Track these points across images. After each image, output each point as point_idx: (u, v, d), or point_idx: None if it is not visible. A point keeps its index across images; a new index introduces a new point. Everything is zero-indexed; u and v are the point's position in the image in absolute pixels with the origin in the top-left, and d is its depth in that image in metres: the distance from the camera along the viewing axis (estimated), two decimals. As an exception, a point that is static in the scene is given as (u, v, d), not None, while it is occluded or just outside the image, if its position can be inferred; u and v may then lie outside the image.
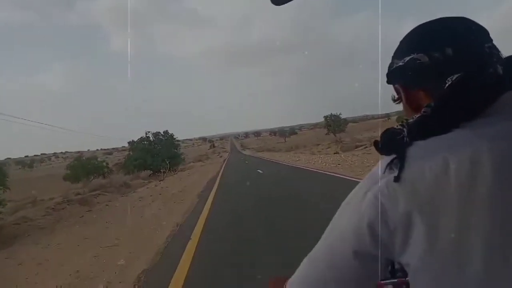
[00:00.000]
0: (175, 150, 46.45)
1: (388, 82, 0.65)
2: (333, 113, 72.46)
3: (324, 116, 73.59)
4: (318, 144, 50.08)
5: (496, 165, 0.48)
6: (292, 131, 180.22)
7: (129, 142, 44.38)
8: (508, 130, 0.50)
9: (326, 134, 74.81)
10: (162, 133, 45.93)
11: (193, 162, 61.78)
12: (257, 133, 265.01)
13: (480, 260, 0.48)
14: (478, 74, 0.54)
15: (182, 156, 48.22)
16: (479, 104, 0.53)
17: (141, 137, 44.06)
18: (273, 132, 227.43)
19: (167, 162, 41.61)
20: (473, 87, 0.53)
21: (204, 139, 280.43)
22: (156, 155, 41.76)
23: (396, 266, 0.59)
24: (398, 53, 0.63)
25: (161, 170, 38.45)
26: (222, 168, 31.86)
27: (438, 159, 0.50)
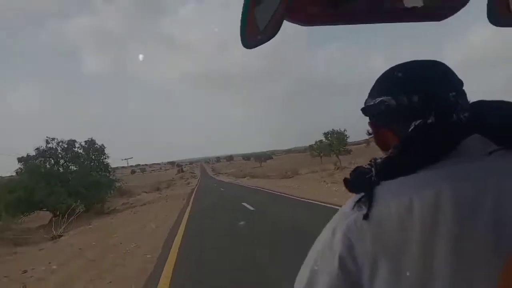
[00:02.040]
0: (105, 174, 26.38)
1: (363, 114, 0.68)
2: (335, 129, 54.90)
3: (324, 133, 56.02)
4: (338, 168, 31.89)
5: (457, 206, 0.50)
6: (268, 156, 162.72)
7: (20, 159, 23.91)
8: (469, 172, 0.52)
9: (325, 155, 57.18)
10: (82, 143, 25.81)
11: (146, 192, 41.47)
12: (229, 158, 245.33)
13: None
14: (440, 121, 0.57)
15: (118, 184, 27.94)
16: (441, 148, 0.55)
17: (38, 149, 23.78)
18: (246, 157, 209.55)
19: (84, 196, 21.65)
20: (434, 133, 0.56)
21: (172, 163, 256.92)
22: (62, 183, 21.69)
23: None
24: (372, 92, 0.65)
25: (76, 210, 18.59)
26: (187, 212, 13.34)
27: (404, 200, 0.52)
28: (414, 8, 0.66)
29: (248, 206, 13.04)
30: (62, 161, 24.32)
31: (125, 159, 52.52)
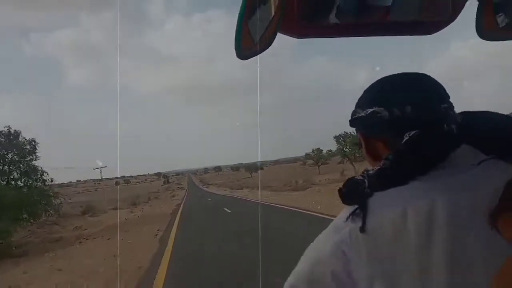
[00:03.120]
0: (36, 184, 16.11)
1: (351, 126, 0.67)
2: (347, 132, 45.38)
3: (335, 136, 46.33)
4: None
5: (449, 216, 0.49)
6: (258, 166, 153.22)
7: None
8: (460, 182, 0.52)
9: (339, 163, 47.92)
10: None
11: (114, 209, 30.87)
12: (217, 168, 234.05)
13: None
14: (433, 132, 0.56)
15: (57, 201, 17.46)
16: (433, 159, 0.55)
17: None
18: (234, 168, 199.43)
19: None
20: (428, 143, 0.55)
21: (158, 174, 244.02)
22: None
23: None
24: (361, 103, 0.63)
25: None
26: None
27: (397, 211, 0.51)
28: (403, 21, 0.67)
29: None
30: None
31: (98, 168, 41.61)
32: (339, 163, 48.66)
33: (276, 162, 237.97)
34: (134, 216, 21.17)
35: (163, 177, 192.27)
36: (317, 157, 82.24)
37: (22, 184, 15.40)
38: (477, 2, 0.67)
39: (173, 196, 53.47)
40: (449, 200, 0.50)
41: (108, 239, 12.66)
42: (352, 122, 0.65)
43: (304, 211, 12.19)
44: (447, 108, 0.58)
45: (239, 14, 0.57)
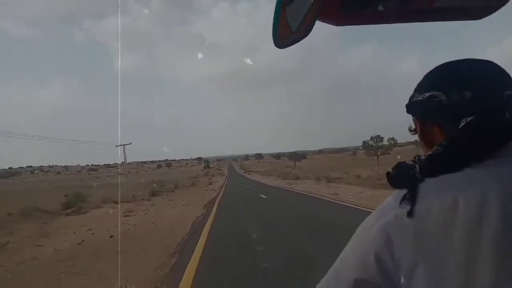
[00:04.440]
0: None
1: (408, 112, 0.65)
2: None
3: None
4: None
5: (502, 207, 0.47)
6: (301, 155, 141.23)
7: None
8: None
9: (377, 154, 35.50)
10: None
11: (115, 202, 21.02)
12: (258, 156, 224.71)
13: None
14: (492, 118, 0.53)
15: None
16: (490, 147, 0.52)
17: None
18: (275, 156, 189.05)
19: None
20: (485, 130, 0.53)
21: (200, 159, 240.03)
22: None
23: None
24: (420, 88, 0.62)
25: None
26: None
27: (447, 198, 0.49)
28: (449, 6, 0.63)
29: None
30: None
31: (121, 145, 32.07)
32: (384, 154, 36.00)
33: (320, 151, 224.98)
34: (125, 225, 10.82)
35: (204, 161, 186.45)
36: (377, 146, 69.42)
37: None
38: None
39: (210, 183, 43.59)
40: (502, 190, 0.48)
41: None
42: (409, 106, 0.63)
43: None
44: (511, 96, 0.54)
45: (277, 1, 0.55)
